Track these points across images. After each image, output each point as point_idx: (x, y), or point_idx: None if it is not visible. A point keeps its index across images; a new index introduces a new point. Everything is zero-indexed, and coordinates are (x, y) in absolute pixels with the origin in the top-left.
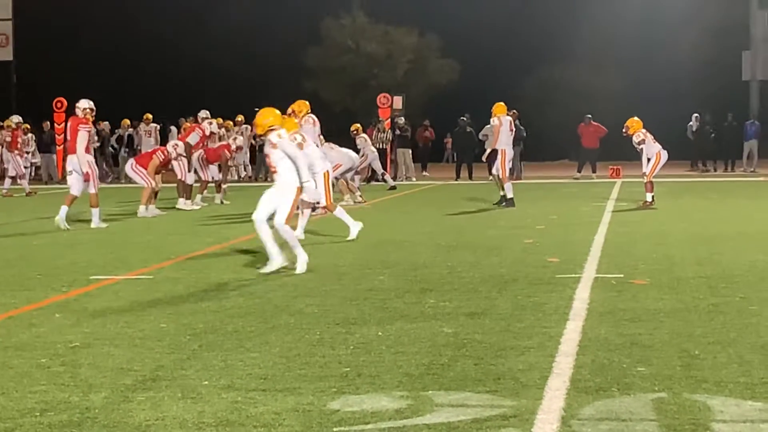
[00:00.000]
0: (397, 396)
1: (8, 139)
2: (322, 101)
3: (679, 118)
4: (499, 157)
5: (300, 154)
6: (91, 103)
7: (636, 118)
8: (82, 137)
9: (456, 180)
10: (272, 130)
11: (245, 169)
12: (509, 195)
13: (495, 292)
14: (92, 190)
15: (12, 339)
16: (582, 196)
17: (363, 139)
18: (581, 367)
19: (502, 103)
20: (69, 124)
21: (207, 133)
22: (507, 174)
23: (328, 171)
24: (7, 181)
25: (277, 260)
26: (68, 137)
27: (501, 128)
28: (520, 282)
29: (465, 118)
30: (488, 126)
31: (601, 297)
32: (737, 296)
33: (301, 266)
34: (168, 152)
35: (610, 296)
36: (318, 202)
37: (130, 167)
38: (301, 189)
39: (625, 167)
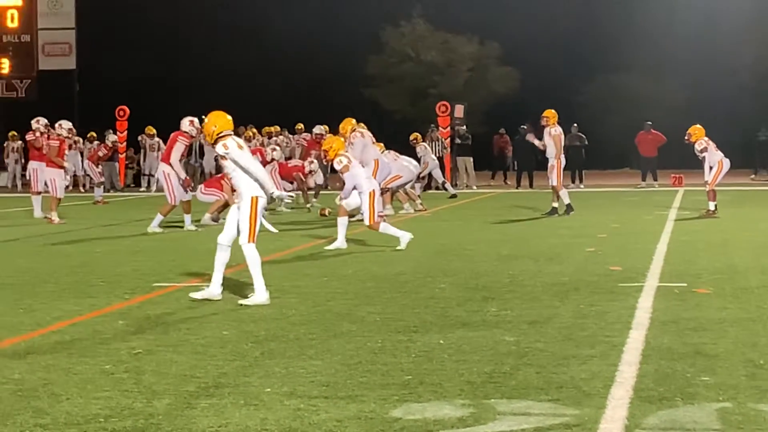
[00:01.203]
0: (459, 404)
1: (101, 152)
2: (382, 109)
3: (741, 127)
4: (555, 167)
5: (253, 163)
6: (196, 121)
7: (698, 126)
8: (178, 149)
9: (517, 188)
10: (221, 138)
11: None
12: (566, 201)
13: (557, 301)
14: (186, 197)
15: (76, 345)
16: (644, 204)
17: (423, 147)
18: (644, 376)
19: (553, 111)
20: (171, 135)
21: (268, 158)
22: (561, 182)
23: (374, 190)
24: (98, 190)
25: (212, 290)
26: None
27: (561, 136)
28: (581, 290)
29: (525, 127)
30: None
31: (664, 306)
32: None
33: (254, 299)
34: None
35: (673, 305)
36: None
37: (200, 192)
38: (257, 200)
39: (686, 175)
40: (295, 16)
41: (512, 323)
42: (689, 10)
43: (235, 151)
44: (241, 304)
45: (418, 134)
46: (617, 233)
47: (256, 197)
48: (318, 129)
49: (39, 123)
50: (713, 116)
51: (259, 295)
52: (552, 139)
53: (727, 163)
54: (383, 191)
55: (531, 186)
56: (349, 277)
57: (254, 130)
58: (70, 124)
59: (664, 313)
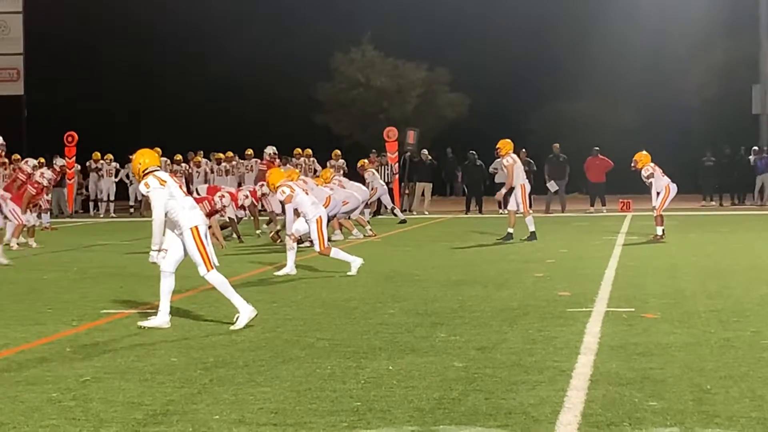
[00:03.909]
0: (408, 431)
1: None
2: (332, 135)
3: (689, 151)
4: (518, 192)
5: (163, 201)
6: None
7: (644, 153)
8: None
9: (466, 213)
10: (146, 174)
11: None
12: (531, 228)
13: (506, 326)
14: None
15: (23, 373)
16: (592, 229)
17: (371, 173)
18: (592, 401)
19: (508, 140)
20: None
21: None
22: (528, 208)
23: (320, 216)
24: (45, 216)
25: (160, 318)
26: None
27: (515, 165)
28: (530, 316)
29: (474, 153)
30: (498, 160)
31: (612, 331)
32: (749, 330)
33: (241, 319)
34: (214, 203)
35: (621, 330)
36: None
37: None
38: (197, 229)
39: (635, 200)
40: (245, 42)
41: (461, 349)
42: (636, 36)
43: (154, 190)
44: (233, 330)
45: (365, 161)
46: (566, 258)
47: (196, 227)
48: (269, 149)
49: (27, 164)
50: (662, 141)
51: (243, 313)
52: (505, 168)
53: (674, 188)
54: (330, 218)
55: (480, 211)
56: (298, 303)
57: (201, 157)
58: (51, 174)
59: (612, 338)
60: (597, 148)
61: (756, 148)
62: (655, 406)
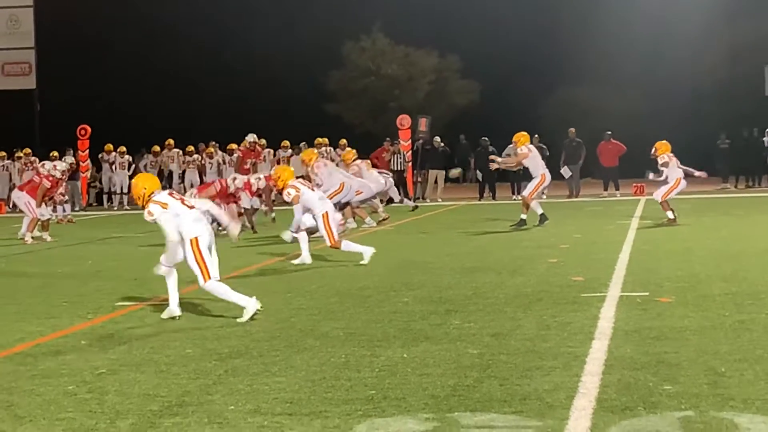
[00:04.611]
0: (423, 418)
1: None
2: (344, 124)
3: (701, 136)
4: (536, 181)
5: (172, 223)
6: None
7: (665, 141)
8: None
9: (480, 200)
10: (148, 202)
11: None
12: (539, 211)
13: (520, 313)
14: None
15: (39, 367)
16: (606, 214)
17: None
18: (607, 386)
19: (524, 132)
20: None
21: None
22: (531, 196)
23: (327, 212)
24: (59, 209)
25: (172, 309)
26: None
27: (530, 155)
28: (544, 302)
29: (486, 139)
30: (511, 146)
31: (627, 316)
32: (764, 313)
33: (246, 313)
34: (227, 185)
35: (635, 315)
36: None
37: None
38: (196, 240)
39: (648, 185)
40: (256, 33)
41: (475, 336)
42: (647, 19)
43: (159, 216)
44: (241, 322)
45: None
46: (579, 244)
47: (196, 238)
48: (250, 137)
49: (44, 167)
50: (674, 124)
51: (248, 307)
52: (519, 155)
53: (683, 184)
54: (345, 205)
55: (494, 198)
56: (312, 293)
57: (214, 148)
58: (66, 165)
59: (627, 322)
60: (609, 133)
61: None
62: (670, 390)
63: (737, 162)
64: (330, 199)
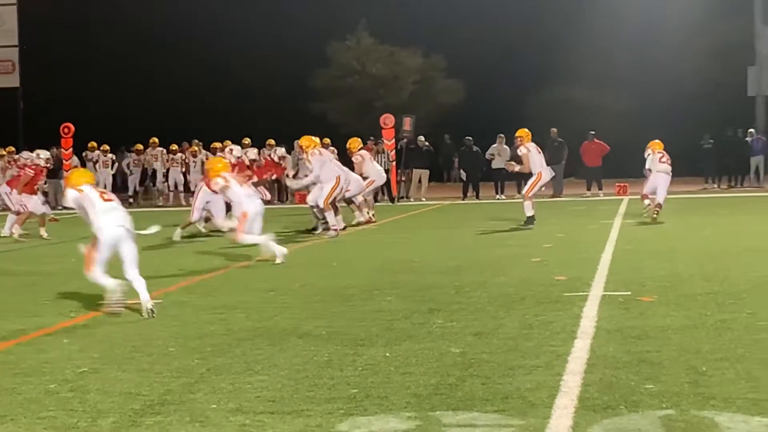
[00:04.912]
0: (405, 417)
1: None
2: (329, 123)
3: (684, 136)
4: (534, 179)
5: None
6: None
7: (657, 141)
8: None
9: (463, 199)
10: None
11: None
12: (528, 213)
13: (502, 312)
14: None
15: (21, 365)
16: (589, 213)
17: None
18: (589, 385)
19: (526, 129)
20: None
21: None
22: (529, 193)
23: (247, 212)
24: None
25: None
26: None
27: (529, 154)
28: (527, 301)
29: (470, 138)
30: (494, 145)
31: (609, 315)
32: (745, 312)
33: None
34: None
35: (617, 314)
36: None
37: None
38: (95, 237)
39: (631, 184)
40: (241, 31)
41: (458, 335)
42: (633, 19)
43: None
44: (300, 293)
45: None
46: (563, 243)
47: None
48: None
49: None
50: (659, 124)
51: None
52: (521, 157)
53: (662, 179)
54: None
55: (477, 197)
56: (296, 291)
57: (197, 147)
58: (48, 153)
59: (609, 321)
60: (593, 132)
61: (752, 130)
62: (652, 388)
63: (721, 162)
64: (328, 197)
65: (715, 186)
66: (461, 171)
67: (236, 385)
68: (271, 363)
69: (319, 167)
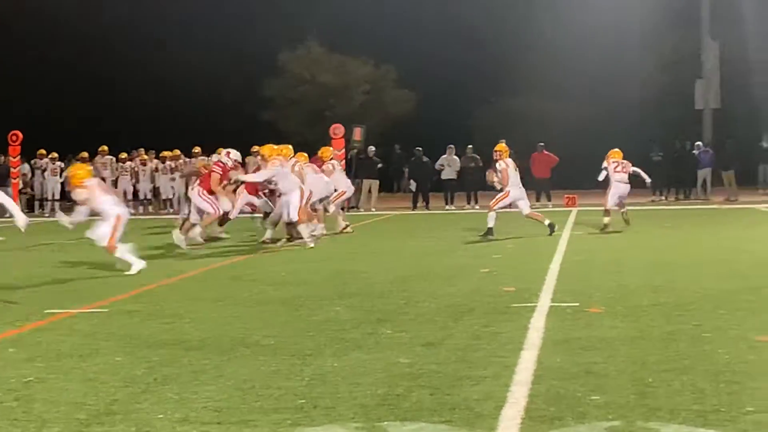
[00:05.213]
0: (353, 427)
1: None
2: (280, 132)
3: (635, 147)
4: (501, 194)
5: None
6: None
7: (616, 150)
8: (215, 178)
9: (413, 210)
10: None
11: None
12: (490, 224)
13: (451, 322)
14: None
15: None
16: (538, 225)
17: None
18: (536, 396)
19: (504, 145)
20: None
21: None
22: (495, 207)
23: (120, 215)
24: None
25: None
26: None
27: (508, 170)
28: (476, 312)
29: (420, 149)
30: (444, 156)
31: (557, 326)
32: (691, 323)
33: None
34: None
35: (565, 325)
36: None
37: (197, 195)
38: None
39: (580, 196)
40: (192, 39)
41: (407, 345)
42: (582, 33)
43: None
44: (248, 303)
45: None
46: (512, 254)
47: None
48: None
49: None
50: (608, 136)
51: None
52: (500, 172)
53: (616, 189)
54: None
55: (427, 207)
56: (244, 301)
57: (147, 155)
58: None
59: (556, 333)
60: (542, 144)
61: (699, 143)
62: (598, 400)
63: (670, 174)
64: (299, 208)
65: (663, 198)
66: (411, 181)
67: (183, 395)
68: (218, 373)
69: (282, 179)
